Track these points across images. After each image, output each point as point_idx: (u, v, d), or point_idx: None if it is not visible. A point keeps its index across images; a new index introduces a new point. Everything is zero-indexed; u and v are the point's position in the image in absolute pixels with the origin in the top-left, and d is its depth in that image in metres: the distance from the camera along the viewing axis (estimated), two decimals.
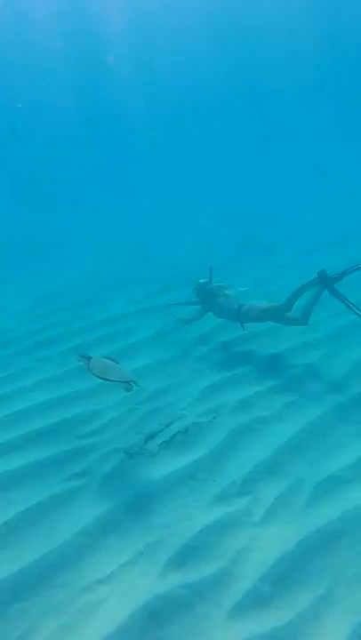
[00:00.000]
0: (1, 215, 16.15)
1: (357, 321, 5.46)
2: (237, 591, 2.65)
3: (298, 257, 9.46)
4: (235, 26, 23.93)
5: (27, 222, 14.92)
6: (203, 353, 5.80)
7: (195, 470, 3.71)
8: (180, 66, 27.27)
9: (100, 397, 4.89)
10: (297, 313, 5.28)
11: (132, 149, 23.56)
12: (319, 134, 22.48)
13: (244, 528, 3.11)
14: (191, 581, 2.71)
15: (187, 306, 6.41)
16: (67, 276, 9.65)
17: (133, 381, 3.74)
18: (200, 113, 26.32)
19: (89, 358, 4.00)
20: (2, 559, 3.00)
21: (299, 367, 5.21)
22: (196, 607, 2.59)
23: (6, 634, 2.55)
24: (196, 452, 3.94)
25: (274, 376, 5.09)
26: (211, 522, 3.14)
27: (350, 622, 2.48)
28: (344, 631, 2.44)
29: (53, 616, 2.62)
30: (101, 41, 24.69)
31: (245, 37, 24.93)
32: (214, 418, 4.41)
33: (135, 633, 2.48)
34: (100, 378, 3.81)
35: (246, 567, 2.80)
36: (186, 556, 2.92)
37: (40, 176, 19.96)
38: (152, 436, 4.18)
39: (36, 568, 2.90)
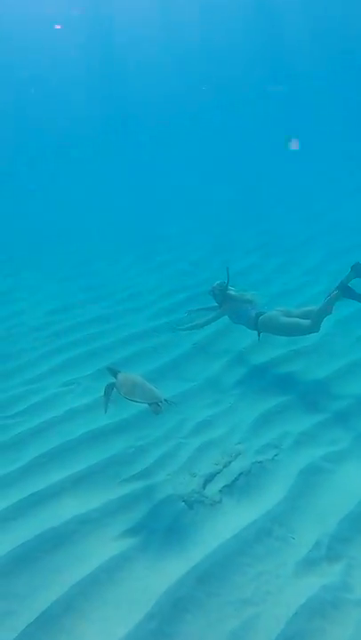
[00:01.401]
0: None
1: None
2: None
3: (326, 261, 8.89)
4: None
5: (26, 222, 14.09)
6: (243, 375, 5.28)
7: (269, 525, 3.21)
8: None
9: (140, 430, 4.38)
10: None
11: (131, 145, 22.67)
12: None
13: (348, 609, 2.61)
14: None
15: (206, 311, 5.85)
16: (75, 287, 8.87)
17: (165, 400, 3.32)
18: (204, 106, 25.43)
19: (117, 374, 3.61)
20: None
21: (357, 393, 4.73)
22: None
23: None
24: (266, 499, 3.44)
25: (329, 403, 4.61)
26: (306, 600, 2.64)
27: None
28: None
29: None
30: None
31: None
32: (276, 455, 3.91)
33: None
34: (127, 399, 3.41)
35: None
36: None
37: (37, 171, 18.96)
38: (210, 479, 3.69)
39: None
